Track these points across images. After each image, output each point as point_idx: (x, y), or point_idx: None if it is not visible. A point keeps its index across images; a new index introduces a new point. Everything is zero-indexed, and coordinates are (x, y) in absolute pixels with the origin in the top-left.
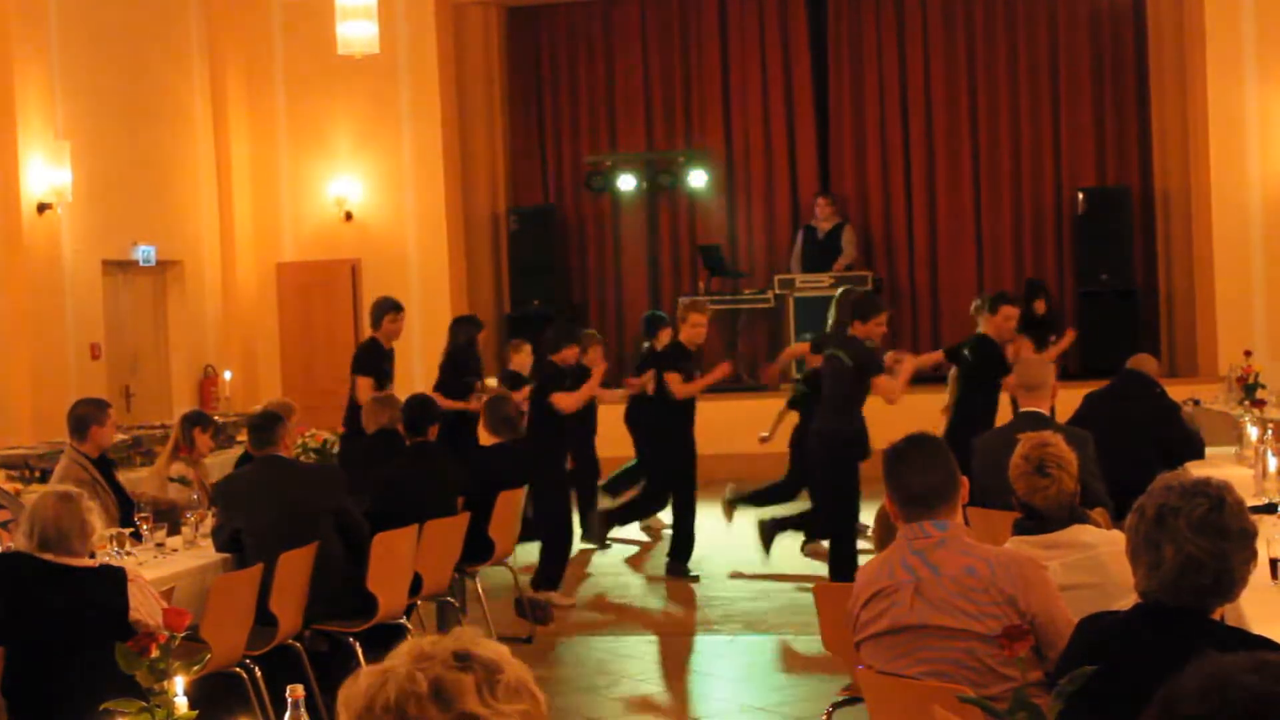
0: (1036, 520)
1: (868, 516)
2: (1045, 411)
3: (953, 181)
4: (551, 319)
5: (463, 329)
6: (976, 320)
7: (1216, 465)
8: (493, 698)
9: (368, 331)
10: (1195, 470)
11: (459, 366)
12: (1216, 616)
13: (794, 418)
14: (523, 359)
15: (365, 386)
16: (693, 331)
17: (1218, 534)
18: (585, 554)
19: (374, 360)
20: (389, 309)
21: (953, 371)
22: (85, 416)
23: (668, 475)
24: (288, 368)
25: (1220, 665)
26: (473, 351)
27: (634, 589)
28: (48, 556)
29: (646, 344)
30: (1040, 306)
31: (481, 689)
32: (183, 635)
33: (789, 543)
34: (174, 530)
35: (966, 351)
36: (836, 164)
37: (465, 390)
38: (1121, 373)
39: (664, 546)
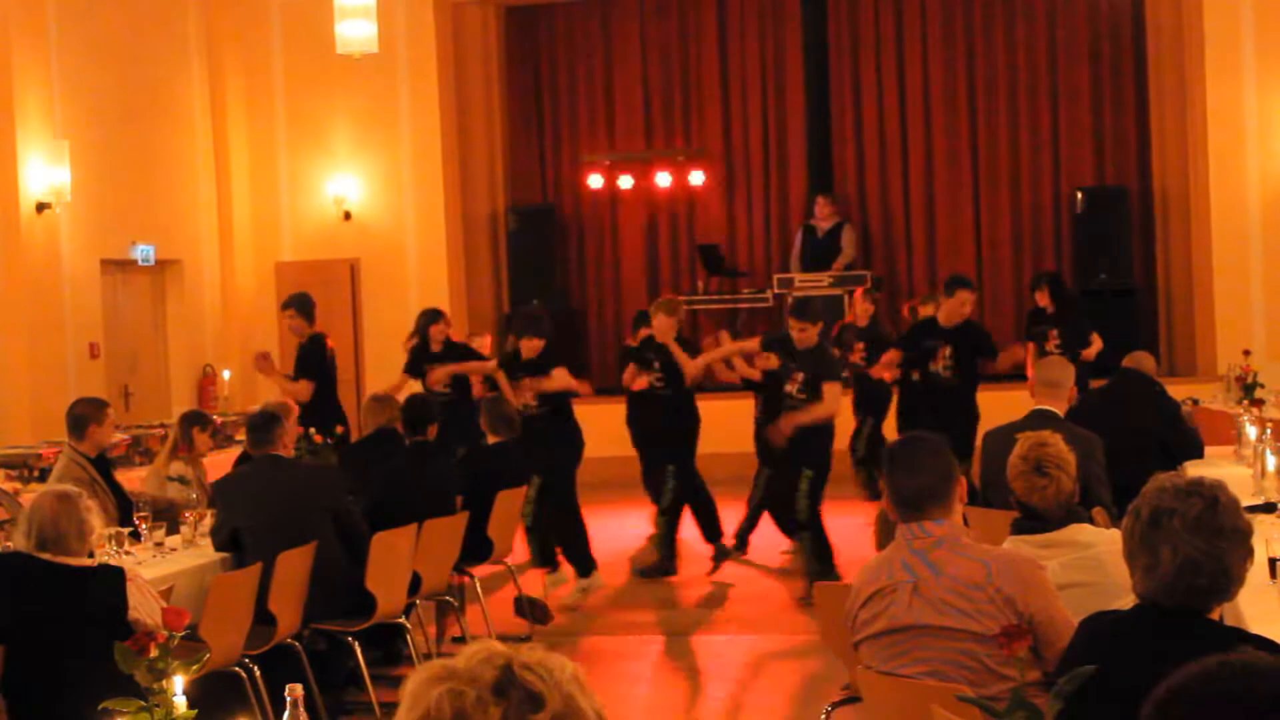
0: (1035, 520)
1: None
2: (1059, 411)
3: (952, 181)
4: (553, 317)
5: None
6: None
7: (1215, 465)
8: None
9: (367, 330)
10: (1193, 470)
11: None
12: (1215, 616)
13: None
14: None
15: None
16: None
17: (1213, 534)
18: None
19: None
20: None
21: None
22: (84, 416)
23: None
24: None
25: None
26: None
27: (632, 588)
28: (45, 556)
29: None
30: (1042, 299)
31: None
32: (181, 635)
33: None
34: (173, 529)
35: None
36: (836, 163)
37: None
38: (1119, 372)
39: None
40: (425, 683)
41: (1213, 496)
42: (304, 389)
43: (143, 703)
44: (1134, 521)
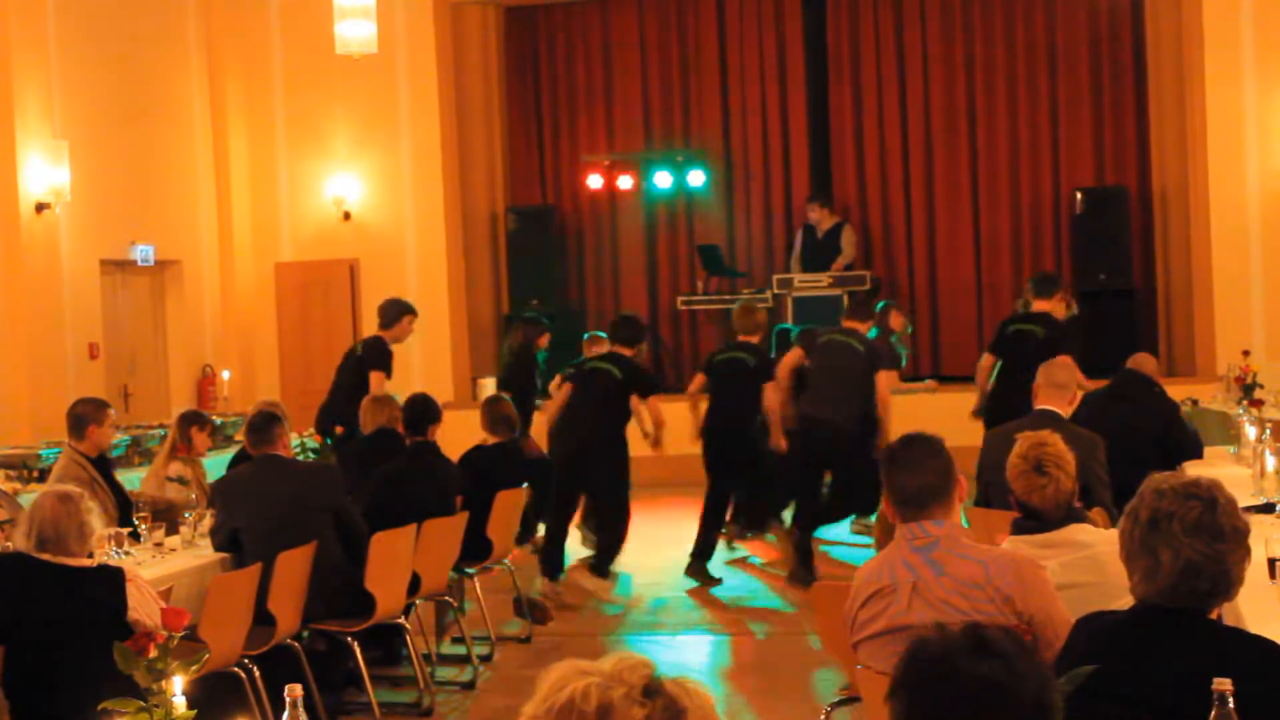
0: (1034, 519)
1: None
2: (1063, 412)
3: (951, 181)
4: (552, 318)
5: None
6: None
7: (1214, 465)
8: None
9: (366, 331)
10: (1192, 470)
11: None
12: (1214, 615)
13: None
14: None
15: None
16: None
17: (1213, 536)
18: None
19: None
20: (408, 310)
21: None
22: (84, 416)
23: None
24: (286, 367)
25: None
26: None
27: (632, 589)
28: (45, 556)
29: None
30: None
31: None
32: (181, 635)
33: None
34: (172, 530)
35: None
36: (836, 163)
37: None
38: (1121, 372)
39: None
40: (572, 673)
41: (1210, 498)
42: None
43: (142, 703)
44: (1132, 524)
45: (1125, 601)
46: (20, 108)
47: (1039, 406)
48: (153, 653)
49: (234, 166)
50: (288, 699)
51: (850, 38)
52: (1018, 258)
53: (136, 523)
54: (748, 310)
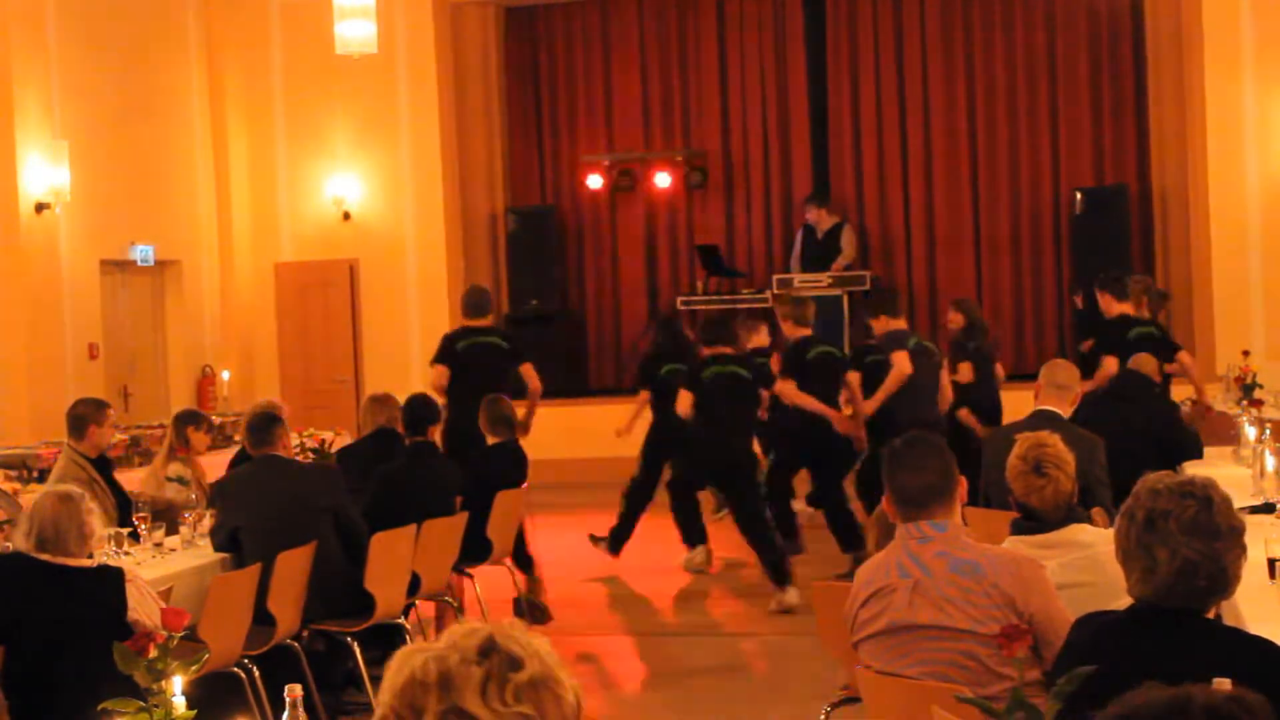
0: (1034, 520)
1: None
2: (1063, 413)
3: (951, 181)
4: (552, 318)
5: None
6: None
7: (1214, 465)
8: (498, 695)
9: (366, 331)
10: (1192, 471)
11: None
12: (1212, 615)
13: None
14: (760, 340)
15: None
16: None
17: (1210, 535)
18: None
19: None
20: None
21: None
22: (84, 416)
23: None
24: (286, 368)
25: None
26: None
27: (630, 589)
28: (45, 556)
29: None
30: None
31: (487, 686)
32: (181, 635)
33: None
34: (172, 530)
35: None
36: (835, 163)
37: None
38: (1121, 373)
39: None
40: (411, 653)
41: (1206, 497)
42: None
43: (142, 703)
44: (1128, 524)
45: (1125, 601)
46: (20, 108)
47: (1039, 407)
48: (153, 653)
49: (234, 166)
50: (288, 699)
51: (850, 38)
52: (1018, 258)
53: (136, 523)
54: (800, 302)
